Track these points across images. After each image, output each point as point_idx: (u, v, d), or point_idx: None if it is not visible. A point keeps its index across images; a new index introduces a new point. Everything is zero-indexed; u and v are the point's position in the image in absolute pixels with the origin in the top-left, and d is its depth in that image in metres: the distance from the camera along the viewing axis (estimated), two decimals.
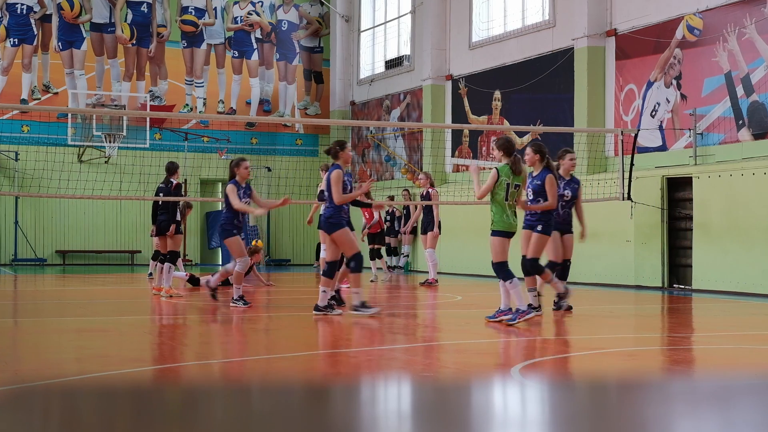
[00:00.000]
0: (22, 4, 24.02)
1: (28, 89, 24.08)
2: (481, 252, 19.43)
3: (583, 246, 16.91)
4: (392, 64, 24.82)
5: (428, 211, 16.37)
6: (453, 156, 22.09)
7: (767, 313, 11.68)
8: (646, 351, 8.05)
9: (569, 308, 10.81)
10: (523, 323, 9.31)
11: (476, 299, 13.55)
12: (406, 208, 19.55)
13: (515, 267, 9.72)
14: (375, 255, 17.43)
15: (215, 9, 25.95)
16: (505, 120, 20.43)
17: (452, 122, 21.95)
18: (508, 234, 9.55)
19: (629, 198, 15.17)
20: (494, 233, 9.53)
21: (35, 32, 24.19)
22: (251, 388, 1.60)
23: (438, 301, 12.80)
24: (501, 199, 9.47)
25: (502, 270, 9.48)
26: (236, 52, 26.13)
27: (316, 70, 27.06)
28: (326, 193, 10.38)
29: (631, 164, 15.08)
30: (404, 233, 18.99)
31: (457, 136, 21.94)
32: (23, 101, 23.85)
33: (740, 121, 14.93)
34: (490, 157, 21.02)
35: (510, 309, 9.47)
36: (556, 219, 10.61)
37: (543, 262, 10.29)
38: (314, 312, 10.30)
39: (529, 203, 10.03)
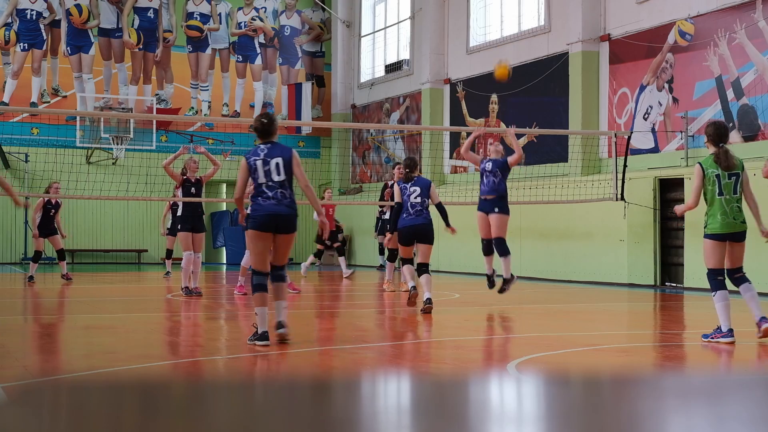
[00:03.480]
0: (32, 10, 24.01)
1: (38, 93, 24.07)
2: (477, 251, 19.40)
3: (577, 245, 16.94)
4: (392, 68, 24.82)
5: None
6: (451, 158, 22.09)
7: None
8: (639, 347, 8.04)
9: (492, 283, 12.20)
10: (714, 343, 7.92)
11: (473, 297, 13.55)
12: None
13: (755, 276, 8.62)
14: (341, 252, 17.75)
15: (220, 15, 25.94)
16: (501, 122, 20.43)
17: (450, 125, 21.95)
18: (724, 236, 7.95)
19: (622, 198, 15.17)
20: (706, 236, 8.08)
21: (44, 37, 24.18)
22: (254, 383, 1.60)
23: (436, 299, 12.79)
24: (713, 195, 7.93)
25: (710, 279, 8.06)
26: (240, 57, 26.12)
27: (317, 74, 27.06)
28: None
29: (625, 165, 15.08)
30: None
31: (455, 138, 21.94)
32: (33, 104, 23.83)
33: (730, 124, 14.92)
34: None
35: (731, 330, 7.90)
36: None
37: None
38: None
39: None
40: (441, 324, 10.32)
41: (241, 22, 26.12)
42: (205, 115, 25.48)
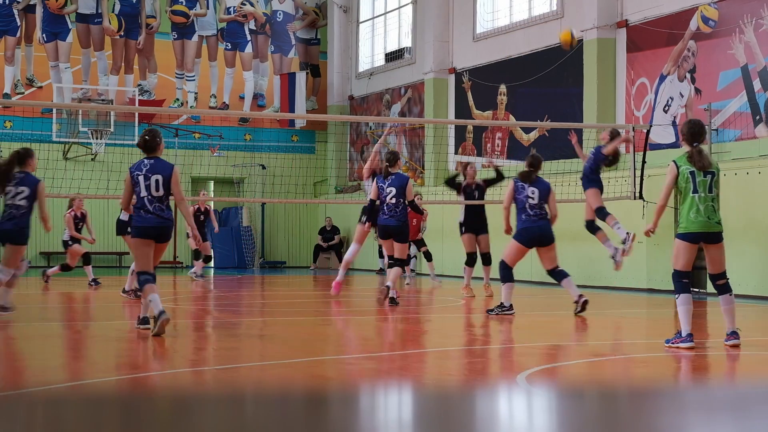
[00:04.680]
0: None
1: (11, 83, 24.07)
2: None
3: (592, 247, 16.93)
4: (393, 56, 24.82)
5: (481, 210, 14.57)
6: (456, 153, 22.09)
7: None
8: (658, 357, 8.04)
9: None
10: (675, 348, 8.10)
11: (480, 302, 13.56)
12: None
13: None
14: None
15: None
16: (510, 115, 20.43)
17: (455, 117, 21.94)
18: (697, 236, 8.13)
19: (641, 197, 15.16)
20: (678, 236, 8.25)
21: (18, 23, 24.18)
22: (245, 397, 1.60)
23: (441, 305, 12.81)
24: (687, 193, 8.11)
25: (674, 281, 8.31)
26: (229, 44, 26.12)
27: (312, 63, 27.05)
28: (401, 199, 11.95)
29: (643, 162, 15.06)
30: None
31: (460, 132, 21.93)
32: (6, 96, 23.83)
33: (757, 117, 14.92)
34: (495, 154, 21.03)
35: (690, 335, 8.13)
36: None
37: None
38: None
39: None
40: (445, 332, 10.32)
41: (230, 7, 26.12)
42: (191, 107, 25.47)
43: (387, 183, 11.99)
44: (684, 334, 8.14)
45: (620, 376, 7.14)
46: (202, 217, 17.95)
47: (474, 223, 14.07)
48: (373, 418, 1.41)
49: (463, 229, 14.21)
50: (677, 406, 1.43)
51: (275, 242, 26.27)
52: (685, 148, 8.25)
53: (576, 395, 1.57)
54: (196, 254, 18.01)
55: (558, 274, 11.29)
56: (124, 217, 15.59)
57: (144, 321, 9.07)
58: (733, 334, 8.19)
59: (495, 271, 14.80)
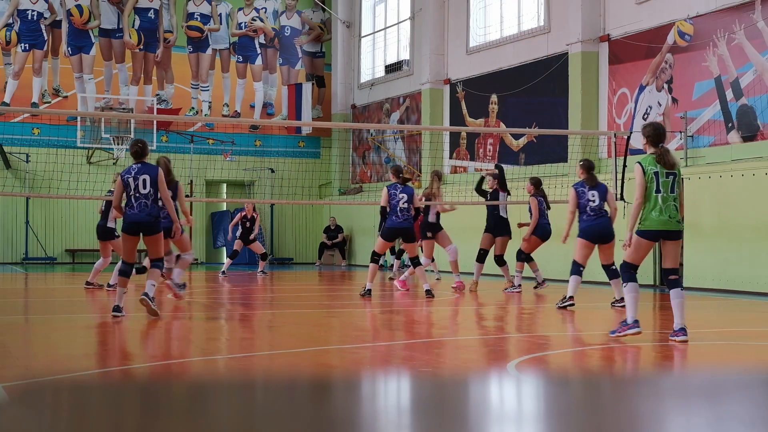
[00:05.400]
0: (33, 11, 24.01)
1: (39, 93, 24.07)
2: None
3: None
4: (392, 68, 24.81)
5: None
6: (451, 158, 22.09)
7: (756, 309, 11.69)
8: (639, 347, 8.04)
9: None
10: (622, 337, 8.02)
11: (473, 296, 13.56)
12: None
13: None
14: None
15: (220, 15, 25.93)
16: (501, 123, 20.42)
17: (450, 125, 21.94)
18: (657, 234, 7.94)
19: (622, 198, 15.16)
20: (638, 232, 8.04)
21: (45, 38, 24.18)
22: (256, 383, 1.61)
23: (435, 298, 12.81)
24: (650, 192, 7.96)
25: (623, 270, 8.18)
26: (240, 57, 26.11)
27: (318, 75, 27.05)
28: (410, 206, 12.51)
29: (624, 165, 15.06)
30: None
31: (454, 138, 21.93)
32: (34, 105, 23.83)
33: (729, 124, 14.92)
34: (487, 158, 21.02)
35: (636, 321, 8.06)
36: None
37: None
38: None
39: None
40: (440, 323, 10.32)
41: (241, 23, 26.11)
42: (205, 115, 25.46)
43: (399, 190, 12.58)
44: (630, 321, 8.01)
45: (603, 365, 7.13)
46: (248, 223, 18.11)
47: (495, 225, 14.37)
48: (373, 403, 1.41)
49: (486, 227, 14.54)
50: (656, 392, 1.43)
51: (283, 240, 26.26)
52: (649, 150, 8.11)
53: (562, 383, 1.57)
54: (263, 256, 18.66)
55: (612, 272, 11.30)
56: (111, 224, 15.62)
57: (116, 309, 9.60)
58: (682, 331, 7.87)
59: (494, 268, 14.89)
